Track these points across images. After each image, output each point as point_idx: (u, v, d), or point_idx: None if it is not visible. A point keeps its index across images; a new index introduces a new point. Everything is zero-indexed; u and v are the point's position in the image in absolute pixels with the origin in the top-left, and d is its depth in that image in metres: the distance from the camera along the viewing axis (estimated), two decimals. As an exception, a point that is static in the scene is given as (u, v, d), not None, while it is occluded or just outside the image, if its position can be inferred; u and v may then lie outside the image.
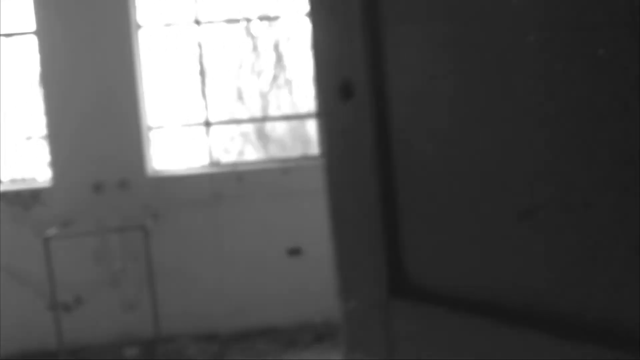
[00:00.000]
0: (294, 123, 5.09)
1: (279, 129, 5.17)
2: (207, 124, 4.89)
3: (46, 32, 4.58)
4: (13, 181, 4.84)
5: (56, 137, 4.62)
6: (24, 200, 4.61)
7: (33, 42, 4.67)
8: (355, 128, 0.93)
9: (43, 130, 4.67)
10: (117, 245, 4.60)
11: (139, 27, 4.74)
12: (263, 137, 5.14)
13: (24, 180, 4.87)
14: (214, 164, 4.95)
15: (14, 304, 4.64)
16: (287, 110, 5.17)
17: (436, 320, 0.75)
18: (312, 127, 4.98)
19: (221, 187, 4.76)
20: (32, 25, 4.62)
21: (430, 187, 0.74)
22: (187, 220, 4.74)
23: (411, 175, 0.77)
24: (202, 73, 4.85)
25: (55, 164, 4.64)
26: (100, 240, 4.63)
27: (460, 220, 0.70)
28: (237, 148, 5.06)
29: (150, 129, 4.83)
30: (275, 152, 5.13)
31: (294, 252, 4.88)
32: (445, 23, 0.67)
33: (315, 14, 0.87)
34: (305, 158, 4.97)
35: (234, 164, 4.92)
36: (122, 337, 4.71)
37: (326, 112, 1.00)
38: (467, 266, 0.70)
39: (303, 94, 5.17)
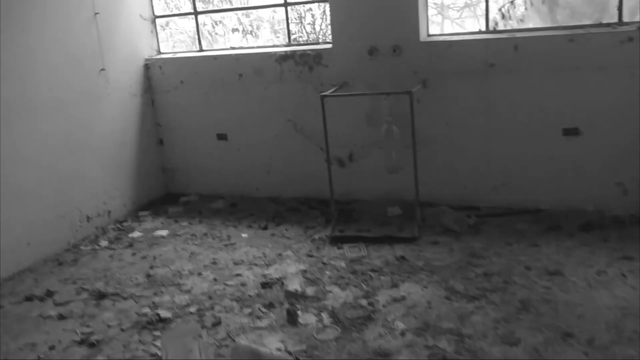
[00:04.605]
0: (591, -15, 4.42)
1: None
2: (487, -14, 4.54)
3: None
4: (300, 43, 5.26)
5: (336, 3, 4.80)
6: (308, 61, 5.00)
7: None
8: None
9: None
10: (386, 109, 4.72)
11: None
12: (550, 2, 4.60)
13: (308, 42, 5.25)
14: (491, 30, 4.63)
15: (300, 154, 5.23)
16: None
17: None
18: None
19: (495, 55, 4.46)
20: None
21: None
22: (457, 89, 4.60)
23: None
24: None
25: (336, 28, 4.87)
26: (372, 103, 4.81)
27: None
28: (518, 14, 4.64)
29: (426, -8, 4.69)
30: (564, 20, 4.57)
31: (571, 132, 4.43)
32: None
33: None
34: (599, 26, 4.31)
35: (512, 31, 4.53)
36: (387, 196, 4.99)
37: None
38: None
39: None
